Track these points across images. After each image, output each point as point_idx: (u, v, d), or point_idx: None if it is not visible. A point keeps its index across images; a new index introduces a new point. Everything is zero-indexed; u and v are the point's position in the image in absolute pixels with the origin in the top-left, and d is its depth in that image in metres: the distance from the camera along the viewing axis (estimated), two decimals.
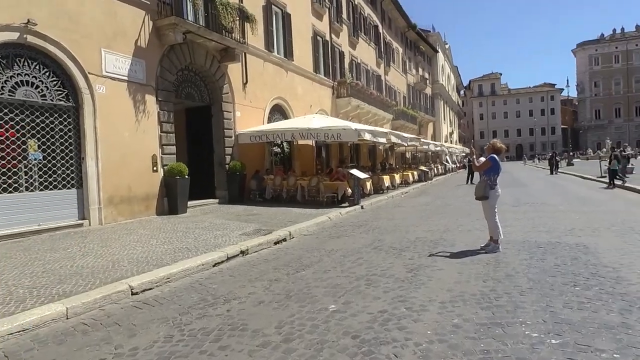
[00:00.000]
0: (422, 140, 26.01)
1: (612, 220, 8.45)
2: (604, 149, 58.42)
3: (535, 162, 58.99)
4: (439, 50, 57.55)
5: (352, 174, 13.45)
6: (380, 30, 34.32)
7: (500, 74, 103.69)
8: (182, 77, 13.55)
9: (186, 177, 12.35)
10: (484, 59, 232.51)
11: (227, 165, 14.76)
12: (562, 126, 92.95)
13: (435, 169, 33.61)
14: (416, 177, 24.34)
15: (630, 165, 22.04)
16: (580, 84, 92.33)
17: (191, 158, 16.07)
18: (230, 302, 4.34)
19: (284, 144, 18.91)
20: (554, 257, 5.53)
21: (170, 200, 12.03)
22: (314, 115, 15.96)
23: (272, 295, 4.52)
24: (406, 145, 20.90)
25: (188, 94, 13.99)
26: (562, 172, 29.94)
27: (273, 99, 17.96)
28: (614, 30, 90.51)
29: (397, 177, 20.04)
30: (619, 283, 4.30)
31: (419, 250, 6.45)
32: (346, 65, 26.55)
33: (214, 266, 6.10)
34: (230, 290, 4.76)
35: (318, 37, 22.55)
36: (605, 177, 21.31)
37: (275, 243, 8.12)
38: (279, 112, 18.81)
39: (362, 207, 13.22)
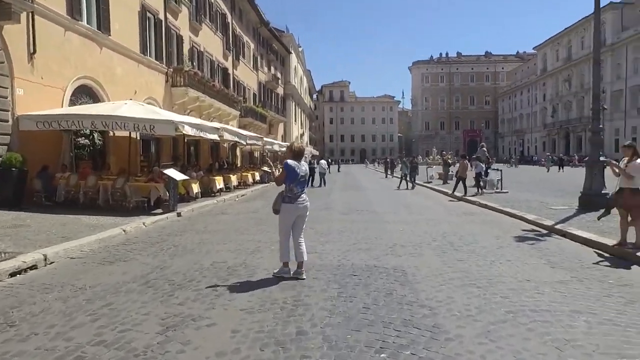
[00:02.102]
0: (265, 139, 24.76)
1: (434, 233, 8.03)
2: (431, 156, 66.32)
3: (375, 166, 63.69)
4: (292, 51, 57.74)
5: (166, 175, 11.19)
6: (229, 20, 32.14)
7: (349, 82, 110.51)
8: None
9: None
10: (335, 67, 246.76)
11: None
12: (399, 134, 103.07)
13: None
14: (258, 178, 22.93)
15: (450, 172, 24.09)
16: (413, 98, 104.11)
17: None
18: None
19: (95, 134, 15.51)
20: (365, 293, 4.37)
21: None
22: (127, 101, 13.14)
23: None
24: (244, 143, 19.30)
25: None
26: (396, 177, 31.98)
27: (78, 77, 14.46)
28: (440, 54, 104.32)
29: (234, 179, 18.26)
30: (435, 339, 3.19)
31: (203, 286, 4.74)
32: (185, 52, 23.75)
33: None
34: None
35: (148, 14, 19.42)
36: (430, 182, 23.03)
37: (13, 274, 5.58)
38: (88, 95, 15.33)
39: (178, 215, 11.07)
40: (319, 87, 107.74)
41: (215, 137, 14.99)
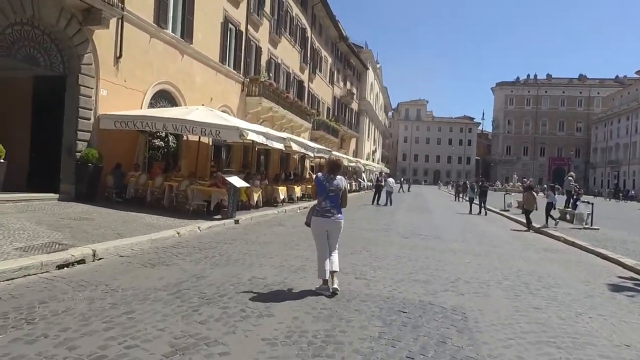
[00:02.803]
0: (334, 153, 24.42)
1: (506, 269, 6.98)
2: (511, 183, 62.00)
3: (449, 188, 60.86)
4: (370, 67, 57.51)
5: (228, 181, 11.14)
6: (309, 35, 32.61)
7: (427, 101, 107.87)
8: (18, 33, 10.45)
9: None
10: (413, 84, 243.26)
11: (77, 154, 11.77)
12: (477, 157, 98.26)
13: (348, 185, 32.45)
14: None
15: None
16: (495, 120, 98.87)
17: (35, 140, 12.88)
18: None
19: (170, 137, 16.14)
20: (413, 338, 3.64)
21: None
22: (199, 107, 13.45)
23: None
24: (312, 155, 19.08)
25: (28, 55, 10.87)
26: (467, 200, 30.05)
27: (158, 82, 15.16)
28: (528, 75, 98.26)
29: (298, 190, 18.05)
30: None
31: (233, 303, 4.29)
32: (263, 63, 24.32)
33: None
34: None
35: (230, 25, 20.11)
36: (507, 209, 21.15)
37: (60, 267, 5.59)
38: (166, 99, 16.02)
39: (236, 222, 10.94)
40: (395, 105, 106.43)
41: (281, 146, 14.86)
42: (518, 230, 13.92)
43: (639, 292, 6.07)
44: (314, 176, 4.79)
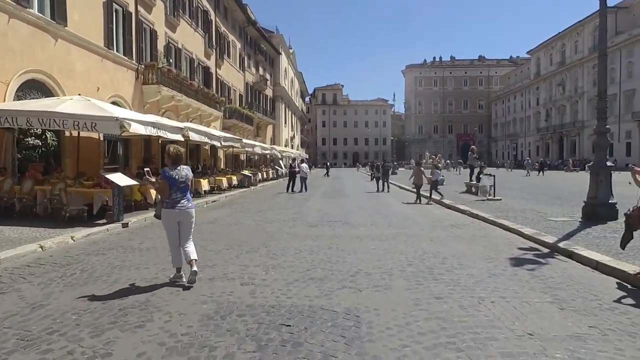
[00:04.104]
0: (245, 141, 23.30)
1: (411, 253, 6.60)
2: (424, 160, 64.99)
3: (367, 169, 62.26)
4: (282, 52, 56.39)
5: (110, 180, 9.69)
6: (212, 18, 30.69)
7: (342, 86, 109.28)
8: None
9: None
10: (328, 70, 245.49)
11: None
12: (392, 138, 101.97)
13: (265, 173, 31.44)
14: (235, 182, 21.42)
15: (441, 177, 22.78)
16: (407, 101, 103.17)
17: None
18: None
19: (48, 134, 13.98)
20: None
21: None
22: (73, 97, 11.65)
23: None
24: (219, 145, 17.83)
25: None
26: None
27: (25, 71, 12.97)
28: (434, 58, 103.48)
29: (205, 183, 16.76)
30: None
31: (64, 342, 3.28)
32: (160, 48, 22.27)
33: None
34: None
35: (116, 5, 17.94)
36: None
37: None
38: (39, 90, 13.82)
39: (124, 226, 9.59)
40: (312, 90, 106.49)
41: (178, 137, 13.51)
42: (420, 204, 14.86)
43: (539, 264, 5.97)
44: (168, 172, 4.21)
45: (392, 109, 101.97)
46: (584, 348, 3.22)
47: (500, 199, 14.35)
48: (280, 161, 39.12)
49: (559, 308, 4.14)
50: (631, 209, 5.19)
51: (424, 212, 12.56)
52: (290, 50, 66.65)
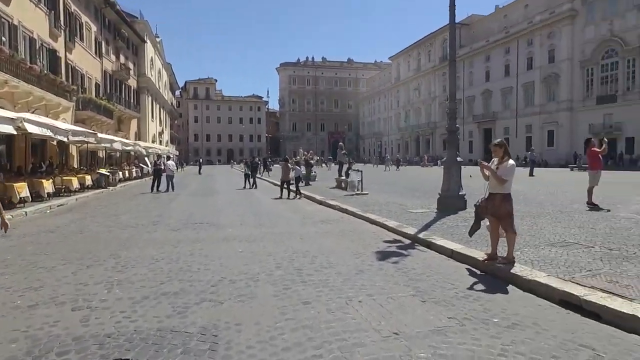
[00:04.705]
0: (101, 136, 20.73)
1: (280, 254, 6.30)
2: (297, 157, 66.40)
3: (242, 166, 61.28)
4: (148, 40, 52.03)
5: None
6: None
7: (216, 80, 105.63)
8: None
9: None
10: (201, 63, 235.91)
11: None
12: (267, 135, 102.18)
13: (127, 172, 28.57)
14: (90, 182, 18.90)
15: (313, 174, 23.34)
16: (281, 99, 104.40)
17: None
18: None
19: None
20: None
21: None
22: None
23: None
24: (67, 140, 15.46)
25: None
26: (260, 178, 30.30)
27: None
28: (307, 57, 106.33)
29: (48, 184, 14.35)
30: None
31: None
32: None
33: None
34: None
35: None
36: (292, 183, 21.75)
37: None
38: None
39: None
40: (183, 83, 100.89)
41: (9, 129, 11.24)
42: (289, 199, 15.18)
43: (402, 256, 6.16)
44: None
45: (267, 106, 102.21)
46: (445, 343, 3.22)
47: (367, 193, 15.03)
48: (146, 158, 35.97)
49: (421, 301, 4.20)
50: (479, 200, 5.60)
51: (295, 208, 12.48)
52: (158, 39, 61.97)
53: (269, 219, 9.99)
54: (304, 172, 21.99)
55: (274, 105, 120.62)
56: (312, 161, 24.82)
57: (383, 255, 6.18)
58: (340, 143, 23.07)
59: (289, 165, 16.72)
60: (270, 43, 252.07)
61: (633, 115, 39.23)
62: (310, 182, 21.48)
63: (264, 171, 34.23)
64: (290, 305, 4.02)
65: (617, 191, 14.00)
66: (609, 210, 9.56)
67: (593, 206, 10.00)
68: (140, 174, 31.86)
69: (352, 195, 14.94)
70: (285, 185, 15.92)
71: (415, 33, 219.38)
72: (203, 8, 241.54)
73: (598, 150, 10.40)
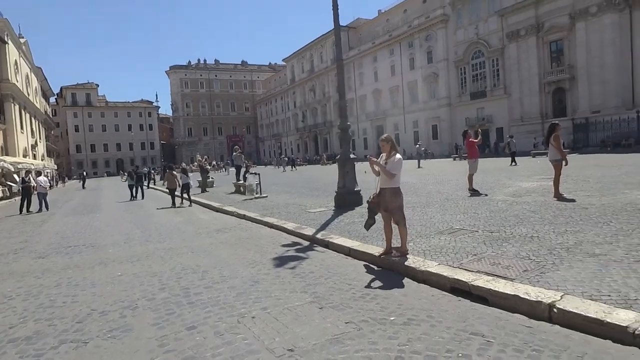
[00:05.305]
0: None
1: (167, 272, 5.67)
2: (195, 163, 63.55)
3: (125, 177, 56.74)
4: (9, 41, 45.63)
5: None
6: None
7: (97, 85, 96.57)
8: None
9: None
10: (80, 67, 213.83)
11: None
12: (162, 141, 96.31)
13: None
14: None
15: (210, 179, 22.34)
16: (174, 103, 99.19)
17: None
18: None
19: None
20: None
21: None
22: None
23: None
24: None
25: None
26: (153, 188, 28.30)
27: None
28: (198, 60, 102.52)
29: None
30: None
31: None
32: None
33: None
34: None
35: None
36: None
37: None
38: None
39: None
40: (58, 90, 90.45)
41: None
42: (182, 207, 14.76)
43: (300, 260, 5.93)
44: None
45: (158, 111, 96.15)
46: (342, 353, 3.01)
47: (267, 196, 14.69)
48: (15, 175, 31.39)
49: (319, 307, 3.98)
50: (371, 197, 5.58)
51: (188, 218, 11.66)
52: (22, 40, 54.67)
53: (159, 233, 9.13)
54: (199, 178, 20.95)
55: (166, 110, 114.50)
56: (207, 167, 23.72)
57: (280, 261, 5.89)
58: (236, 146, 22.45)
59: (174, 173, 15.94)
60: (157, 45, 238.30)
61: (500, 108, 44.49)
62: (207, 189, 20.51)
63: (148, 182, 31.68)
64: (171, 333, 3.51)
65: (492, 176, 15.47)
66: (487, 195, 10.41)
67: (474, 191, 10.82)
68: (8, 194, 27.74)
69: (251, 199, 14.47)
70: (175, 193, 15.26)
71: (308, 35, 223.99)
72: (74, 2, 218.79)
73: (474, 140, 11.31)
